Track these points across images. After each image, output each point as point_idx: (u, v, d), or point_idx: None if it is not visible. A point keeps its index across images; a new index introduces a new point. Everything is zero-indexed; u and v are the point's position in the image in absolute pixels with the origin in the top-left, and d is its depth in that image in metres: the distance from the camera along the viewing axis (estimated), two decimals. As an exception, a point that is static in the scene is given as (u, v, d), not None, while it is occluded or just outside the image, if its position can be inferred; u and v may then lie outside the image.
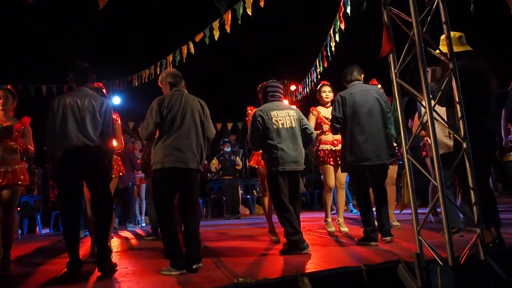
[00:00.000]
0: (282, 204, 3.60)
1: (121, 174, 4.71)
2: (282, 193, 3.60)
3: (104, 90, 4.50)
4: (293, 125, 3.71)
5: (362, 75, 4.07)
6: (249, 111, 4.82)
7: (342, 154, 3.99)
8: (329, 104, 4.90)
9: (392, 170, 4.77)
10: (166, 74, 3.47)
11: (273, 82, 3.99)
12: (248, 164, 5.18)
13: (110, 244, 4.26)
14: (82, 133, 3.30)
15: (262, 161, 4.26)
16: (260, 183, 4.96)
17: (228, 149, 8.97)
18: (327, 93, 4.89)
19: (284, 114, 3.71)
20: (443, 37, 3.43)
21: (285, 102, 3.93)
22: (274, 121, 3.66)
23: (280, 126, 3.66)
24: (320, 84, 5.05)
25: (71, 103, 3.34)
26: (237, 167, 8.98)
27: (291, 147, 3.64)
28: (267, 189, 4.26)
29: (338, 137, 4.39)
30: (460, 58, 3.18)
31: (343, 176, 4.90)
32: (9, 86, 4.16)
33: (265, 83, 4.01)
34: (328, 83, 5.02)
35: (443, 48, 3.11)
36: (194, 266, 3.05)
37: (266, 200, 4.57)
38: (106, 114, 3.44)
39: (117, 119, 4.43)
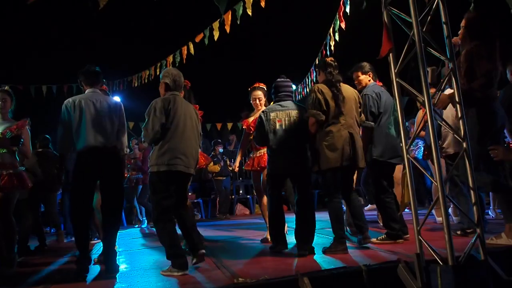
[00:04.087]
0: (272, 205, 3.73)
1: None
2: (275, 194, 3.70)
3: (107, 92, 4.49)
4: (293, 126, 3.64)
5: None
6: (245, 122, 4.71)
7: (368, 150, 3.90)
8: None
9: (398, 170, 4.77)
10: (168, 74, 3.41)
11: (280, 81, 3.88)
12: (244, 168, 5.11)
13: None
14: (100, 133, 3.35)
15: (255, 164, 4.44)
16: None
17: (221, 149, 9.00)
18: None
19: (283, 115, 3.66)
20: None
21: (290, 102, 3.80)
22: (272, 122, 3.65)
23: (278, 127, 3.63)
24: None
25: (88, 104, 3.39)
26: (229, 168, 8.98)
27: (288, 148, 3.61)
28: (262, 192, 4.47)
29: None
30: None
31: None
32: (6, 88, 4.14)
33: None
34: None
35: None
36: (200, 252, 3.24)
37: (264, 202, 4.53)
38: (121, 116, 3.54)
39: None
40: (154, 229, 5.00)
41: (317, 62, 8.36)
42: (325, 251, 3.47)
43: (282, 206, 3.81)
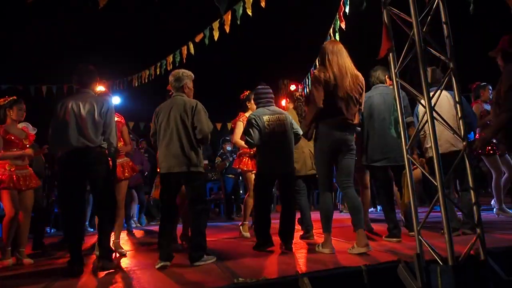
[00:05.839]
0: (259, 207, 3.89)
1: (134, 173, 4.61)
2: (264, 196, 3.90)
3: (106, 90, 4.49)
4: (283, 128, 3.89)
5: (386, 75, 4.20)
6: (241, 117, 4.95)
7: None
8: None
9: None
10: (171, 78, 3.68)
11: (263, 88, 4.13)
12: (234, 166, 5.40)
13: (119, 242, 4.31)
14: (82, 136, 3.40)
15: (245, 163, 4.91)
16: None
17: (229, 147, 8.91)
18: None
19: (274, 118, 3.90)
20: None
21: (273, 107, 4.07)
22: (266, 125, 3.86)
23: (269, 130, 3.84)
24: None
25: (73, 106, 3.46)
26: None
27: (280, 149, 3.85)
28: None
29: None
30: None
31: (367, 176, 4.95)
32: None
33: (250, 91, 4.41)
34: None
35: None
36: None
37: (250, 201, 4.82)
38: (106, 115, 3.52)
39: (121, 120, 4.43)
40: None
41: (317, 63, 8.36)
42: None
43: (269, 206, 4.06)
